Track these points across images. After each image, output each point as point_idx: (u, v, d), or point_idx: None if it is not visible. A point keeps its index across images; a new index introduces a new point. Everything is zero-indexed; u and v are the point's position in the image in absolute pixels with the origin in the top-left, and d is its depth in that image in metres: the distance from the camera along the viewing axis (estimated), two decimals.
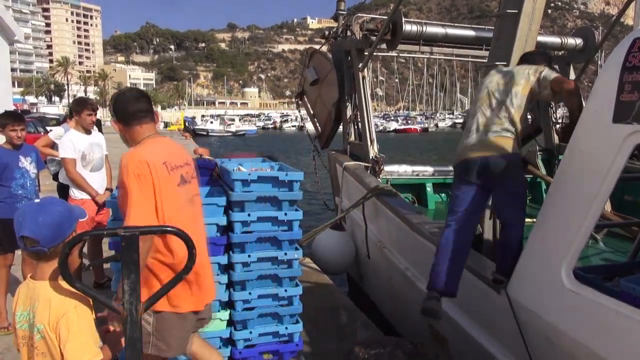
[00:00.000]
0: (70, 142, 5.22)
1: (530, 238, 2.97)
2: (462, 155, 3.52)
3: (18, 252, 4.82)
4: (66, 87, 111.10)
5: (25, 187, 4.73)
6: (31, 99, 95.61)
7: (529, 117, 8.41)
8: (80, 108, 5.34)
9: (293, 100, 9.45)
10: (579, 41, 7.38)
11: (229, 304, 3.47)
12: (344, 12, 7.55)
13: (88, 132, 5.36)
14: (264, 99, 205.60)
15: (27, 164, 4.80)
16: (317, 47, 8.50)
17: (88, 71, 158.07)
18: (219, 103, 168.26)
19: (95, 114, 5.46)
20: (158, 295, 2.05)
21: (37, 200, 2.10)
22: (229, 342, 3.49)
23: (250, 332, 3.47)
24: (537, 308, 2.84)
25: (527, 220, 6.53)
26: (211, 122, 74.09)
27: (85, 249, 5.71)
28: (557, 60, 7.81)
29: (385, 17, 6.56)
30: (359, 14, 7.33)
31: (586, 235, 2.53)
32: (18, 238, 2.00)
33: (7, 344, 4.36)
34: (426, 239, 4.36)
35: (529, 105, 3.46)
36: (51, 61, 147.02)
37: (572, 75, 7.67)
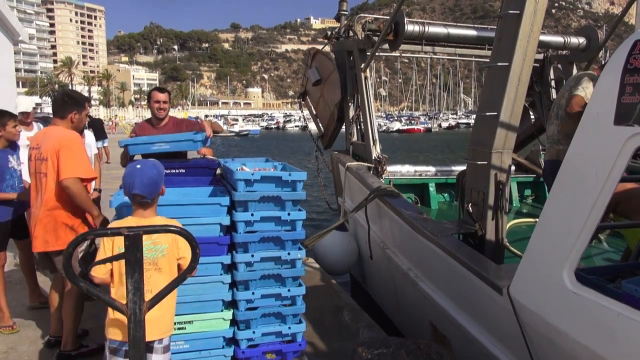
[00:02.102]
0: None
1: (532, 239, 2.97)
2: None
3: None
4: (70, 87, 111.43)
5: (14, 187, 4.73)
6: (35, 99, 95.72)
7: (532, 116, 8.47)
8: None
9: (296, 100, 9.45)
10: (582, 40, 7.38)
11: (232, 304, 3.49)
12: (347, 13, 7.56)
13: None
14: (267, 99, 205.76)
15: (14, 162, 4.82)
16: (320, 47, 8.51)
17: (92, 71, 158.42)
18: (222, 103, 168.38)
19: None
20: (161, 295, 2.07)
21: (138, 166, 2.74)
22: (232, 341, 3.50)
23: (254, 332, 3.48)
24: (539, 309, 2.84)
25: (529, 220, 6.57)
26: None
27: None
28: (560, 59, 7.81)
29: (388, 17, 6.56)
30: (362, 14, 7.35)
31: (588, 237, 2.53)
32: (130, 195, 2.72)
33: (12, 343, 4.39)
34: (429, 239, 4.36)
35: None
36: (55, 61, 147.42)
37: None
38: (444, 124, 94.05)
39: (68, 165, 3.70)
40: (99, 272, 2.65)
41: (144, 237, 2.56)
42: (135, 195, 2.71)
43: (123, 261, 2.46)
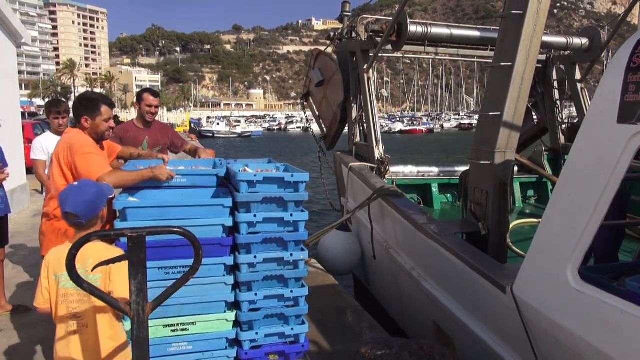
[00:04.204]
0: (40, 144, 5.34)
1: (536, 237, 2.97)
2: None
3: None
4: (73, 89, 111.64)
5: None
6: (38, 101, 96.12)
7: (534, 117, 8.46)
8: (47, 111, 5.51)
9: (298, 101, 9.46)
10: (584, 41, 7.37)
11: (235, 305, 3.48)
12: (349, 14, 7.57)
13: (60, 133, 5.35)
14: (269, 100, 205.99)
15: None
16: (322, 48, 8.52)
17: (94, 73, 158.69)
18: (225, 104, 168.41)
19: (63, 117, 5.46)
20: (166, 295, 2.07)
21: (75, 183, 2.60)
22: (235, 342, 3.50)
23: (257, 333, 3.48)
24: (542, 307, 2.84)
25: (532, 220, 6.56)
26: (217, 124, 74.20)
27: None
28: (563, 60, 7.80)
29: (390, 18, 6.57)
30: (364, 15, 7.35)
31: (592, 235, 2.53)
32: (62, 213, 2.52)
33: (15, 346, 4.40)
34: (432, 239, 4.36)
35: None
36: (58, 64, 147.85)
37: (578, 75, 7.66)
38: (447, 125, 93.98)
39: (89, 167, 3.42)
40: (39, 303, 2.54)
41: (78, 264, 2.39)
42: (67, 215, 2.50)
43: (69, 300, 2.49)
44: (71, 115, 4.22)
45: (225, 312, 3.41)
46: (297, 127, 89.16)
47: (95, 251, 2.47)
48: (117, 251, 2.54)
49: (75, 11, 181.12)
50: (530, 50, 4.11)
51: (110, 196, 2.74)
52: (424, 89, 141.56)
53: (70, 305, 2.51)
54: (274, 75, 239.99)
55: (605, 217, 2.54)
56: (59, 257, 2.51)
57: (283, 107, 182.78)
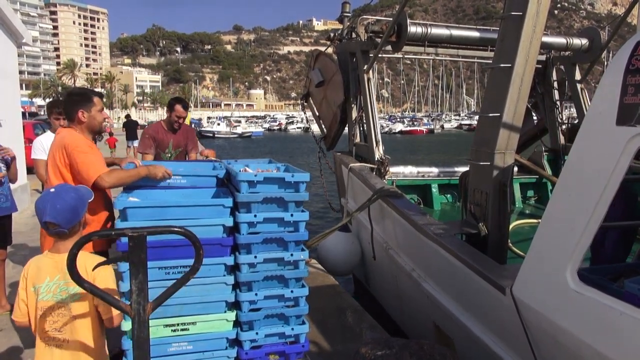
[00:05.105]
0: (40, 144, 5.38)
1: (535, 238, 2.98)
2: None
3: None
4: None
5: None
6: (39, 101, 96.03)
7: (534, 117, 8.46)
8: (48, 112, 5.61)
9: (299, 102, 9.46)
10: (584, 41, 7.38)
11: (235, 305, 3.49)
12: (349, 14, 7.58)
13: None
14: (269, 100, 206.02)
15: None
16: (322, 48, 8.52)
17: (95, 73, 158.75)
18: (225, 105, 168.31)
19: (64, 118, 5.50)
20: (166, 295, 2.07)
21: (52, 190, 2.44)
22: (235, 342, 3.50)
23: (257, 333, 3.48)
24: (542, 308, 2.84)
25: (532, 221, 6.56)
26: (218, 124, 74.12)
27: None
28: (563, 60, 7.81)
29: (390, 19, 6.58)
30: (364, 16, 7.36)
31: (591, 236, 2.54)
32: (42, 223, 2.38)
33: (15, 346, 4.40)
34: (432, 240, 4.37)
35: None
36: (58, 64, 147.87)
37: (578, 76, 7.67)
38: (447, 125, 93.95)
39: (87, 167, 3.48)
40: (17, 316, 2.48)
41: (56, 276, 2.42)
42: (48, 224, 2.37)
43: (48, 313, 2.42)
44: None
45: (225, 312, 3.41)
46: (298, 128, 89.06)
47: (78, 260, 2.38)
48: (99, 259, 2.47)
49: (76, 11, 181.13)
50: (529, 51, 4.12)
51: (90, 199, 2.65)
52: (425, 89, 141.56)
53: (50, 319, 2.43)
54: (275, 76, 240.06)
55: (609, 219, 2.54)
56: (39, 267, 2.45)
57: (283, 107, 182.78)
